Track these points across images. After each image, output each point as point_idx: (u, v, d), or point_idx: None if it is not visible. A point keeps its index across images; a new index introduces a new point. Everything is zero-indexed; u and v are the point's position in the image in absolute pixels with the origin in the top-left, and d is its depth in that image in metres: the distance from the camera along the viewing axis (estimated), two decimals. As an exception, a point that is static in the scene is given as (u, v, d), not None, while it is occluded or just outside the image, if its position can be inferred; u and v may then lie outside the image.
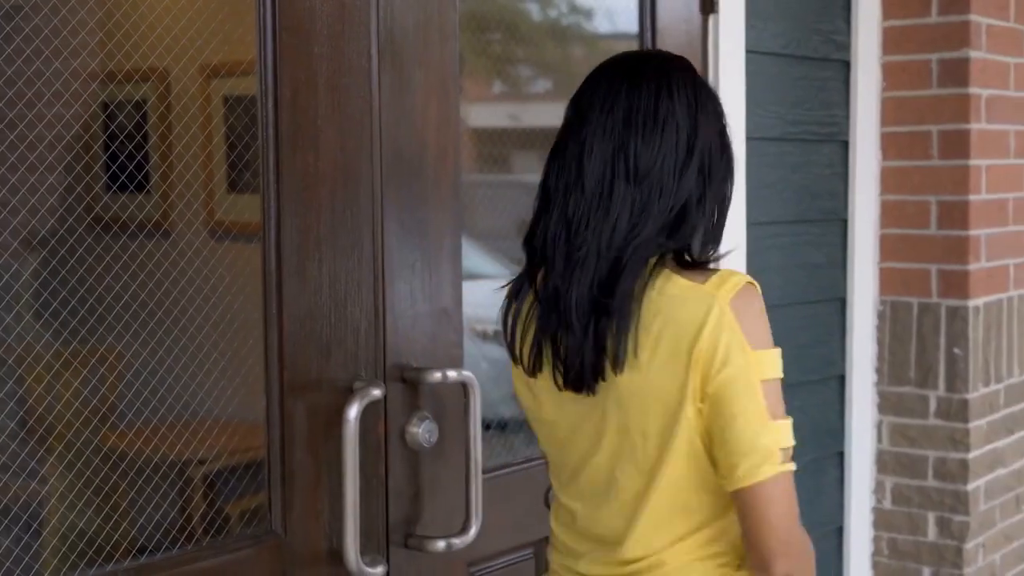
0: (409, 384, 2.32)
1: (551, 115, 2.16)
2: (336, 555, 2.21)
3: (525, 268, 1.92)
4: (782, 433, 1.78)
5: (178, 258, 2.11)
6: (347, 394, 2.20)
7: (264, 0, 2.12)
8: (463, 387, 2.36)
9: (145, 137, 2.11)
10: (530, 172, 2.63)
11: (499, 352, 2.36)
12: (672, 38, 2.90)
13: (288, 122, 2.15)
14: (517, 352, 1.93)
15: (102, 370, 2.05)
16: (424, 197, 2.34)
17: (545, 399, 1.95)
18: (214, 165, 2.21)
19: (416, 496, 2.36)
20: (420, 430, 2.33)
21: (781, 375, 1.81)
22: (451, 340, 2.41)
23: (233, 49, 2.18)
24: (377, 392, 2.20)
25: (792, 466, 1.77)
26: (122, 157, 2.08)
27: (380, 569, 2.20)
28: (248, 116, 2.18)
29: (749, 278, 1.82)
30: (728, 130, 1.93)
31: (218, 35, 2.11)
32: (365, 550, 2.21)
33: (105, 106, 2.10)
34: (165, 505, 2.10)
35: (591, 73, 1.90)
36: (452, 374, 2.35)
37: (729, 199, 1.92)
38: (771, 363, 1.79)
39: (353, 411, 2.17)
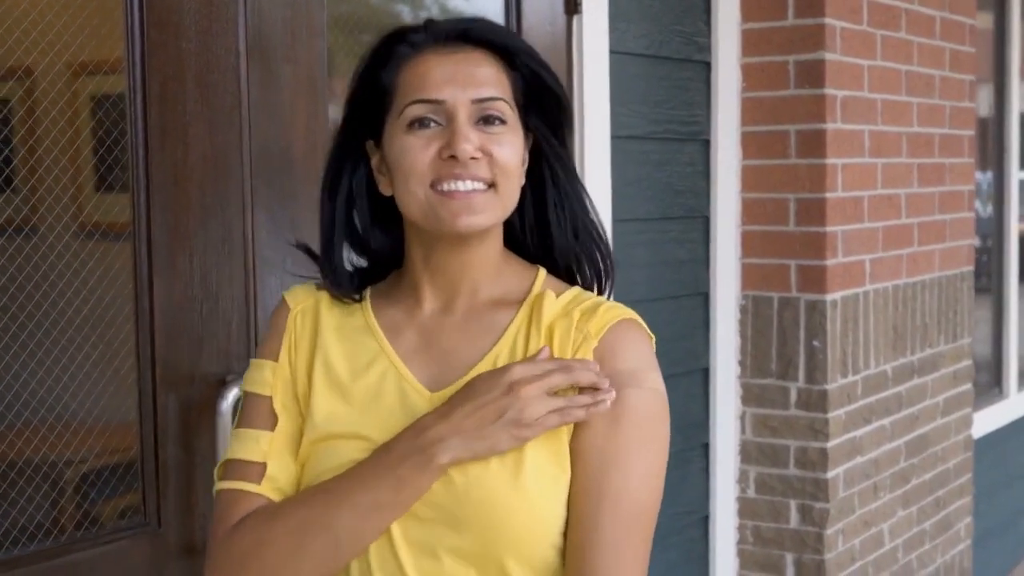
0: (281, 377, 2.34)
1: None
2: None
3: None
4: (230, 445, 1.62)
5: (45, 256, 2.10)
6: (220, 387, 2.21)
7: (132, -4, 2.13)
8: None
9: (10, 135, 2.10)
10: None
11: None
12: (537, 38, 2.94)
13: (157, 117, 2.16)
14: None
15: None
16: (293, 193, 2.36)
17: None
18: (81, 162, 2.21)
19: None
20: (292, 423, 2.35)
21: (250, 388, 1.63)
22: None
23: (100, 46, 2.17)
24: (249, 385, 2.22)
25: (221, 485, 1.59)
26: (-11, 152, 2.07)
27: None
28: (116, 113, 2.18)
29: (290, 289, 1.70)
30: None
31: (85, 31, 2.11)
32: (238, 542, 2.22)
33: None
34: (37, 500, 2.09)
35: None
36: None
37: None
38: (248, 374, 1.66)
39: (226, 403, 2.19)
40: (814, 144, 3.56)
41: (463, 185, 1.54)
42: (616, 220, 3.19)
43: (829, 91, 3.54)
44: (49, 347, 2.08)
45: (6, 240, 2.06)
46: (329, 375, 1.59)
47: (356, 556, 1.53)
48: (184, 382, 2.20)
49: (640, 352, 1.57)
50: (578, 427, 1.52)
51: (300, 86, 2.37)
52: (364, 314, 1.64)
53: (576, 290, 1.63)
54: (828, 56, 3.53)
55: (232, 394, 2.17)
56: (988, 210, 5.77)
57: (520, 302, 1.62)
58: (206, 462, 2.20)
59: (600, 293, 1.67)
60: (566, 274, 1.67)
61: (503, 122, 1.56)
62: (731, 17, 3.58)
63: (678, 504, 3.51)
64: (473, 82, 1.55)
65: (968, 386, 4.45)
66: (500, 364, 1.56)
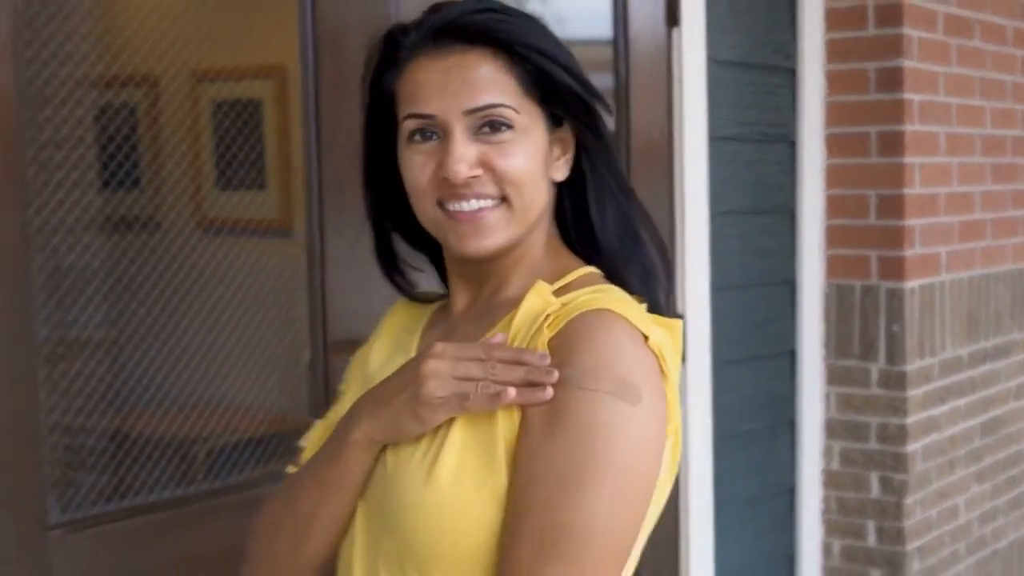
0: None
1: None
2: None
3: None
4: None
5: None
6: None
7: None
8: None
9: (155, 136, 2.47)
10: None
11: None
12: (642, 47, 3.28)
13: (328, 124, 2.53)
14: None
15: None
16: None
17: None
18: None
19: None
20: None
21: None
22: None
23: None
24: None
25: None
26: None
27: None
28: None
29: None
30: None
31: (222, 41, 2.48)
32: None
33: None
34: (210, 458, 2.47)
35: None
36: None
37: None
38: None
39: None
40: (893, 144, 3.85)
41: (467, 205, 1.39)
42: (712, 214, 3.50)
43: (907, 96, 3.84)
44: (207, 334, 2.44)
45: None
46: (364, 371, 1.54)
47: (319, 536, 1.43)
48: (348, 348, 2.56)
49: (599, 350, 1.30)
50: (520, 430, 1.31)
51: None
52: (425, 313, 1.57)
53: (601, 287, 1.41)
54: (906, 63, 3.83)
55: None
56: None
57: None
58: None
59: (652, 302, 1.43)
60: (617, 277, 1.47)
61: (509, 127, 1.39)
62: (816, 27, 3.88)
63: (767, 476, 3.82)
64: (467, 89, 1.38)
65: (1040, 373, 4.72)
66: None
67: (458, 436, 1.33)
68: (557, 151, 1.45)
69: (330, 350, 2.53)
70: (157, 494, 2.33)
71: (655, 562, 3.34)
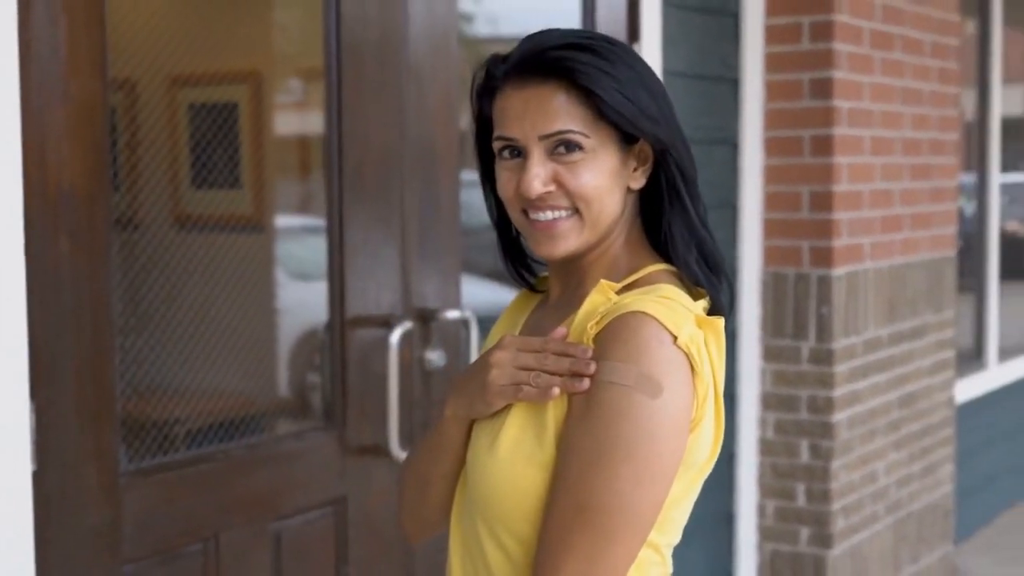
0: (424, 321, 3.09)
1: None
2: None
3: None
4: None
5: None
6: (388, 326, 2.96)
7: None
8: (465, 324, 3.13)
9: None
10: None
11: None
12: (607, 61, 3.68)
13: (348, 124, 2.90)
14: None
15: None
16: (436, 178, 3.11)
17: None
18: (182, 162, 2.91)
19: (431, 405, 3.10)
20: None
21: None
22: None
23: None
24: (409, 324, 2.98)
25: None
26: None
27: (411, 456, 2.97)
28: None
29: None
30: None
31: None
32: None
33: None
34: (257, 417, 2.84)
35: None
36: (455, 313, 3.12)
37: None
38: None
39: (394, 337, 2.93)
40: (824, 146, 4.24)
41: (543, 216, 1.59)
42: (665, 207, 3.89)
43: (836, 103, 4.24)
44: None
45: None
46: (489, 347, 1.66)
47: (434, 491, 1.68)
48: (362, 322, 2.95)
49: (631, 347, 1.47)
50: (567, 413, 1.50)
51: (441, 97, 3.10)
52: (536, 300, 1.78)
53: (657, 287, 1.57)
54: (836, 74, 4.23)
55: (398, 331, 2.92)
56: (972, 207, 6.45)
57: None
58: (379, 380, 2.95)
59: (713, 298, 1.61)
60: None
61: (580, 148, 1.56)
62: (756, 42, 4.27)
63: (710, 442, 4.22)
64: (543, 117, 1.56)
65: (951, 353, 5.17)
66: None
67: (518, 415, 1.54)
68: (634, 163, 1.62)
69: (347, 325, 2.91)
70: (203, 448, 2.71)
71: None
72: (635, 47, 3.74)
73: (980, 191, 6.39)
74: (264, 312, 2.93)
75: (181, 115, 2.73)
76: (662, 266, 1.63)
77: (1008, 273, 6.59)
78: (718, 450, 1.58)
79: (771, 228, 4.36)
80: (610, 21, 3.67)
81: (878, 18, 4.45)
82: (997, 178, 6.43)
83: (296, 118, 3.06)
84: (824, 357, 4.29)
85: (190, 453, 2.67)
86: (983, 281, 6.39)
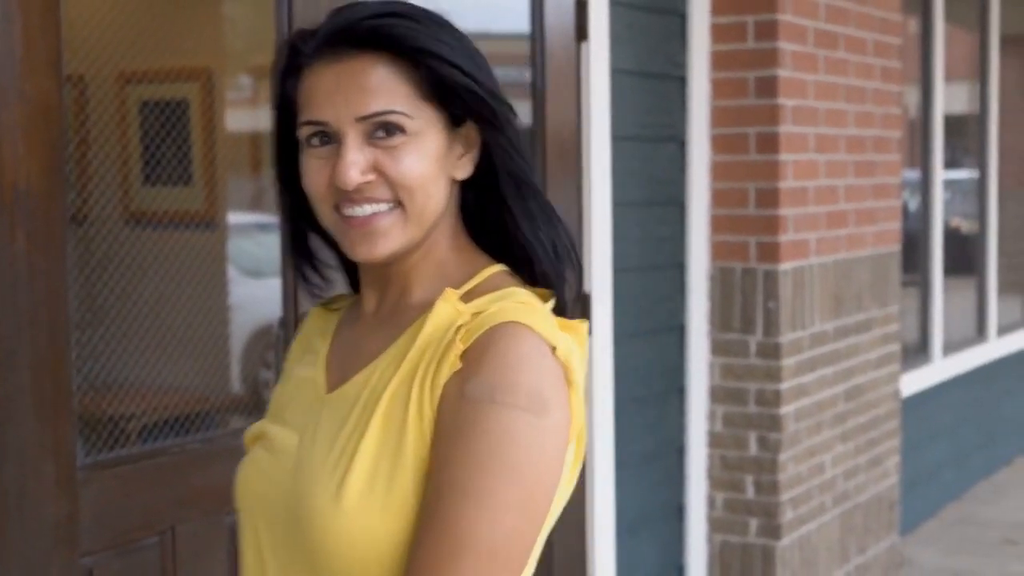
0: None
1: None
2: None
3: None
4: None
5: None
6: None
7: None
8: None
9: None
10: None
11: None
12: (556, 59, 3.73)
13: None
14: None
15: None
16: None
17: None
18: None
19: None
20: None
21: None
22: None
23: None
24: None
25: None
26: None
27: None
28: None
29: None
30: None
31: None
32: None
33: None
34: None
35: None
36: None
37: None
38: None
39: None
40: (769, 144, 4.31)
41: (361, 210, 1.37)
42: (614, 205, 3.95)
43: (781, 101, 4.31)
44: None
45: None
46: (282, 373, 1.54)
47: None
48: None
49: (508, 364, 1.29)
50: (432, 444, 1.30)
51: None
52: (337, 316, 1.54)
53: (507, 291, 1.39)
54: (780, 73, 4.30)
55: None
56: (916, 203, 6.55)
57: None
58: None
59: (558, 298, 1.43)
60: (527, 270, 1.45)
61: (402, 131, 1.36)
62: (703, 41, 4.34)
63: (660, 436, 4.30)
64: (358, 96, 1.35)
65: (896, 347, 5.27)
66: (378, 371, 1.38)
67: (368, 451, 1.32)
68: (460, 149, 1.42)
69: (300, 321, 2.94)
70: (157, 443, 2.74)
71: (564, 511, 3.80)
72: (583, 45, 3.81)
73: (924, 187, 6.48)
74: (217, 308, 2.96)
75: (133, 112, 2.75)
76: (498, 267, 1.44)
77: (952, 268, 6.68)
78: (578, 470, 1.42)
79: (718, 224, 4.42)
80: (558, 19, 3.72)
81: (822, 17, 4.53)
82: (941, 174, 6.51)
83: (247, 115, 3.08)
84: (771, 351, 4.36)
85: (147, 447, 2.70)
86: (928, 276, 6.48)
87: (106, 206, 2.68)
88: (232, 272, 2.97)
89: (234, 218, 3.04)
